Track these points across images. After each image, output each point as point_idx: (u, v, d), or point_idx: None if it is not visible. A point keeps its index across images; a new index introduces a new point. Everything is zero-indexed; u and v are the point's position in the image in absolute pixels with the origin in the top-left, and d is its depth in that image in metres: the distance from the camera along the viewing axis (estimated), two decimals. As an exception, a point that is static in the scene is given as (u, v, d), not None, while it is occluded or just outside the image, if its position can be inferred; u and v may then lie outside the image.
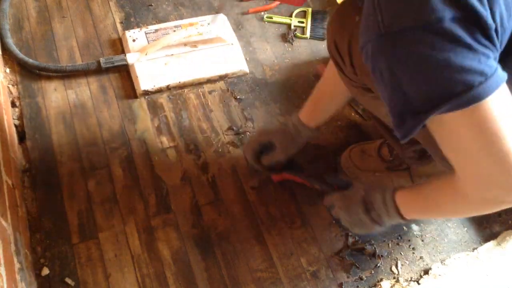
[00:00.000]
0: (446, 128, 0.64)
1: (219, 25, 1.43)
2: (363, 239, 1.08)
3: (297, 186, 1.15)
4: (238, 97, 1.31)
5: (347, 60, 0.82)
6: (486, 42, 0.59)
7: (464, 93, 0.58)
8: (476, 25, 0.58)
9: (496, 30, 0.59)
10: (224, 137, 1.23)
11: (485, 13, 0.57)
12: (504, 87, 0.61)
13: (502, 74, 0.60)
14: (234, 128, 1.24)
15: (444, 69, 0.59)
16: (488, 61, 0.59)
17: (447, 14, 0.57)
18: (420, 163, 1.05)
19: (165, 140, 1.22)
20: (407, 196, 0.86)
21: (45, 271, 1.01)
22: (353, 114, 1.29)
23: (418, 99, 0.62)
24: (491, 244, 1.09)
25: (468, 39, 0.58)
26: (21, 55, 1.31)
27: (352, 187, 0.97)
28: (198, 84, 1.33)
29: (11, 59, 1.33)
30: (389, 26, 0.60)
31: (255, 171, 1.15)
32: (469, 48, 0.58)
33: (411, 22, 0.59)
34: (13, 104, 1.26)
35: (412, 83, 0.62)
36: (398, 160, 1.11)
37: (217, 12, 1.48)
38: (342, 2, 0.89)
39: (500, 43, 0.61)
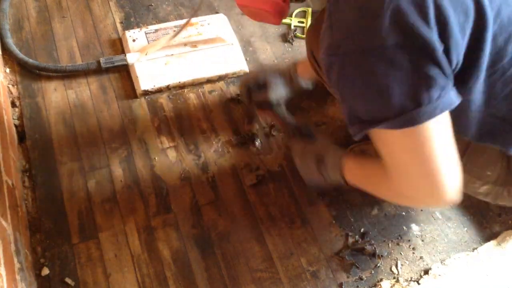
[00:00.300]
0: (383, 139, 0.69)
1: (219, 25, 1.43)
2: (363, 239, 1.09)
3: (297, 186, 1.15)
4: (238, 97, 1.31)
5: (323, 68, 0.87)
6: (432, 69, 0.60)
7: (397, 117, 0.62)
8: (422, 50, 0.59)
9: (447, 50, 0.60)
10: (225, 138, 1.23)
11: (431, 36, 0.58)
12: (443, 116, 0.63)
13: (443, 103, 0.62)
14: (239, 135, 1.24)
15: (382, 93, 0.62)
16: (429, 90, 0.61)
17: (390, 40, 0.58)
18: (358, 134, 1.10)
19: (165, 140, 1.22)
20: (354, 163, 0.91)
21: (45, 271, 1.01)
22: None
23: (359, 113, 0.67)
24: (491, 244, 1.09)
25: (409, 66, 0.60)
26: (21, 55, 1.31)
27: (316, 139, 1.05)
28: (198, 84, 1.33)
29: (11, 59, 1.33)
30: (337, 47, 0.63)
31: (248, 118, 1.22)
32: (410, 74, 0.60)
33: (355, 47, 0.61)
34: (13, 104, 1.26)
35: (354, 99, 0.67)
36: None
37: (217, 12, 1.48)
38: (318, 15, 0.94)
39: (456, 59, 0.62)
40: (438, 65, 0.61)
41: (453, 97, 0.63)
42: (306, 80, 1.14)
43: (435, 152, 0.64)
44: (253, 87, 1.17)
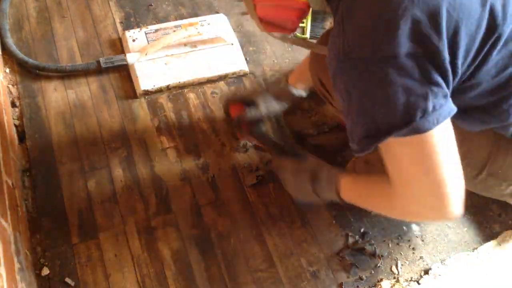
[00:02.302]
0: (391, 151, 0.70)
1: (219, 25, 1.43)
2: (363, 239, 1.09)
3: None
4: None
5: (334, 95, 0.88)
6: (438, 78, 0.62)
7: (405, 125, 0.62)
8: (432, 60, 0.61)
9: (454, 60, 0.62)
10: (225, 138, 1.23)
11: (442, 46, 0.60)
12: (446, 122, 0.64)
13: (446, 111, 0.63)
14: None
15: (390, 100, 0.63)
16: (435, 98, 0.62)
17: (404, 48, 0.59)
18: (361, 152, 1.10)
19: (165, 140, 1.22)
20: (350, 181, 0.90)
21: (45, 271, 1.01)
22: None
23: (364, 126, 0.67)
24: (491, 244, 1.09)
25: (418, 75, 0.61)
26: (21, 55, 1.31)
27: (306, 158, 1.03)
28: (198, 84, 1.33)
29: (11, 59, 1.33)
30: (349, 53, 0.63)
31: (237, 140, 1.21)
32: (419, 84, 0.61)
33: (368, 53, 0.62)
34: (13, 104, 1.26)
35: (361, 109, 0.67)
36: None
37: (217, 12, 1.49)
38: (318, 41, 0.98)
39: (463, 68, 0.64)
40: (444, 74, 0.62)
41: (452, 105, 0.65)
42: (298, 88, 1.14)
43: (441, 163, 0.65)
44: (234, 100, 1.18)
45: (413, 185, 0.70)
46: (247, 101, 1.14)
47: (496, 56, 0.65)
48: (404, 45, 0.59)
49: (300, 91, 1.14)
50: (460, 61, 0.63)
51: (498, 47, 0.64)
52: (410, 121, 0.62)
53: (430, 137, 0.64)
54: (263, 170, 1.17)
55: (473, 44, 0.62)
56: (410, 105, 0.62)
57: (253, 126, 1.13)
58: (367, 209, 0.86)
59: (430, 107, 0.62)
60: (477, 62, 0.65)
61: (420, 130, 0.63)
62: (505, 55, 0.65)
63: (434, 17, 0.59)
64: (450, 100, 0.64)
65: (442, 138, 0.65)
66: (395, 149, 0.68)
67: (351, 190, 0.90)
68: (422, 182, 0.68)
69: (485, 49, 0.64)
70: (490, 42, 0.63)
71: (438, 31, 0.59)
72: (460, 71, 0.64)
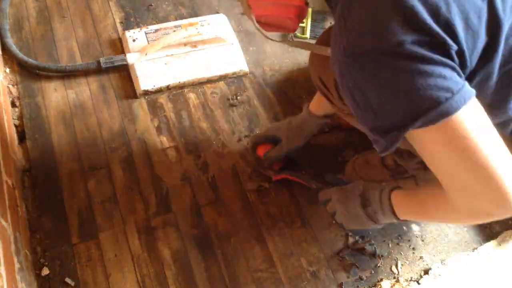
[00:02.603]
0: (422, 144, 0.66)
1: (219, 25, 1.43)
2: (363, 239, 1.08)
3: (297, 186, 1.15)
4: (238, 97, 1.31)
5: (334, 93, 0.85)
6: (449, 62, 0.60)
7: (432, 109, 0.59)
8: (438, 45, 0.59)
9: (459, 52, 0.60)
10: (224, 138, 1.23)
11: (443, 34, 0.58)
12: (474, 101, 0.61)
13: (470, 89, 0.61)
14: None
15: (409, 90, 0.60)
16: (454, 77, 0.60)
17: (407, 38, 0.58)
18: (426, 172, 1.05)
19: (165, 140, 1.22)
20: (402, 197, 0.86)
21: (45, 271, 1.01)
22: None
23: (387, 119, 0.64)
24: (491, 244, 1.09)
25: (431, 58, 0.59)
26: (21, 55, 1.31)
27: (351, 184, 0.98)
28: (198, 84, 1.33)
29: (11, 59, 1.33)
30: (353, 48, 0.62)
31: (256, 172, 1.16)
32: (433, 66, 0.59)
33: (370, 47, 0.60)
34: (13, 104, 1.26)
35: (380, 103, 0.63)
36: (402, 167, 1.11)
37: (217, 12, 1.48)
38: (317, 41, 0.94)
39: (469, 61, 0.62)
40: (454, 61, 0.60)
41: (471, 88, 0.62)
42: (320, 115, 1.08)
43: (480, 146, 0.61)
44: (259, 141, 1.14)
45: (459, 177, 0.65)
46: (272, 139, 1.12)
47: (499, 50, 0.63)
48: (407, 34, 0.58)
49: (323, 118, 1.09)
50: (466, 52, 0.61)
51: (501, 41, 0.62)
52: (436, 104, 0.59)
53: (461, 119, 0.60)
54: (266, 181, 1.16)
55: (477, 37, 0.61)
56: (432, 90, 0.59)
57: (291, 167, 1.13)
58: (431, 222, 0.80)
59: (454, 87, 0.59)
60: (483, 55, 0.63)
61: (449, 112, 0.59)
62: (505, 51, 0.64)
63: (432, 8, 0.58)
64: (467, 84, 0.62)
65: (474, 118, 0.61)
66: (426, 141, 0.64)
67: (406, 206, 0.86)
68: (466, 170, 0.63)
69: (489, 42, 0.62)
70: (492, 35, 0.61)
71: (438, 20, 0.58)
72: (468, 62, 0.62)
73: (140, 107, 1.28)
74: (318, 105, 1.08)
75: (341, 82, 0.67)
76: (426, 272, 1.05)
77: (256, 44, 1.43)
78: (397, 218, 0.87)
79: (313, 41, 1.44)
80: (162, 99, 1.29)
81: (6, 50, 1.33)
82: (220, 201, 1.13)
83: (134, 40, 1.37)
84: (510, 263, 1.06)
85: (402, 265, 1.06)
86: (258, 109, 1.29)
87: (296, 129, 1.10)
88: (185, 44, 1.37)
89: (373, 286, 1.03)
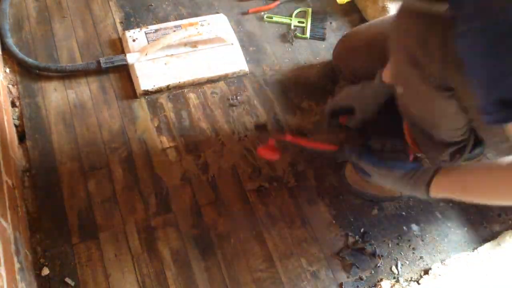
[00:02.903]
0: None
1: (219, 25, 1.43)
2: (363, 239, 1.09)
3: (297, 186, 1.15)
4: (238, 97, 1.31)
5: (438, 55, 0.78)
6: None
7: None
8: None
9: None
10: (224, 138, 1.23)
11: None
12: None
13: None
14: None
15: None
16: None
17: None
18: (451, 163, 1.03)
19: (165, 140, 1.22)
20: (448, 175, 0.83)
21: (45, 271, 1.01)
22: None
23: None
24: (491, 244, 1.09)
25: None
26: (21, 55, 1.31)
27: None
28: (198, 84, 1.33)
29: (11, 59, 1.33)
30: (497, 15, 0.57)
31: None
32: None
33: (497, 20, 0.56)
34: (13, 104, 1.26)
35: (500, 72, 0.59)
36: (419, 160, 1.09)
37: (217, 12, 1.48)
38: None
39: None
40: None
41: None
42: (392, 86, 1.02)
43: None
44: (337, 112, 1.08)
45: None
46: (346, 108, 1.06)
47: None
48: None
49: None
50: None
51: None
52: None
53: None
54: (265, 180, 1.16)
55: None
56: None
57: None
58: (480, 201, 0.77)
59: None
60: None
61: None
62: None
63: None
64: None
65: None
66: None
67: (451, 183, 0.82)
68: None
69: None
70: None
71: None
72: None
73: (140, 107, 1.28)
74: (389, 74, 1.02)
75: (471, 51, 0.63)
76: (426, 272, 1.05)
77: (256, 44, 1.43)
78: (428, 194, 0.85)
79: (313, 41, 1.45)
80: (162, 99, 1.29)
81: (6, 50, 1.33)
82: (220, 201, 1.13)
83: (134, 40, 1.37)
84: (510, 263, 1.06)
85: (402, 265, 1.06)
86: (258, 109, 1.29)
87: (368, 99, 1.03)
88: (185, 44, 1.37)
89: (373, 286, 1.03)
